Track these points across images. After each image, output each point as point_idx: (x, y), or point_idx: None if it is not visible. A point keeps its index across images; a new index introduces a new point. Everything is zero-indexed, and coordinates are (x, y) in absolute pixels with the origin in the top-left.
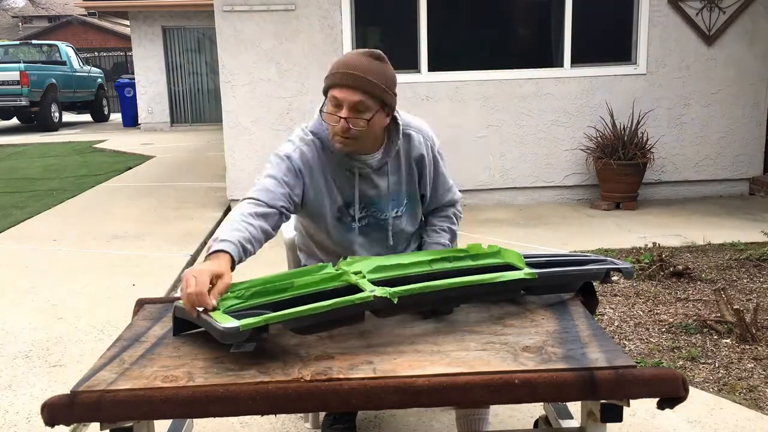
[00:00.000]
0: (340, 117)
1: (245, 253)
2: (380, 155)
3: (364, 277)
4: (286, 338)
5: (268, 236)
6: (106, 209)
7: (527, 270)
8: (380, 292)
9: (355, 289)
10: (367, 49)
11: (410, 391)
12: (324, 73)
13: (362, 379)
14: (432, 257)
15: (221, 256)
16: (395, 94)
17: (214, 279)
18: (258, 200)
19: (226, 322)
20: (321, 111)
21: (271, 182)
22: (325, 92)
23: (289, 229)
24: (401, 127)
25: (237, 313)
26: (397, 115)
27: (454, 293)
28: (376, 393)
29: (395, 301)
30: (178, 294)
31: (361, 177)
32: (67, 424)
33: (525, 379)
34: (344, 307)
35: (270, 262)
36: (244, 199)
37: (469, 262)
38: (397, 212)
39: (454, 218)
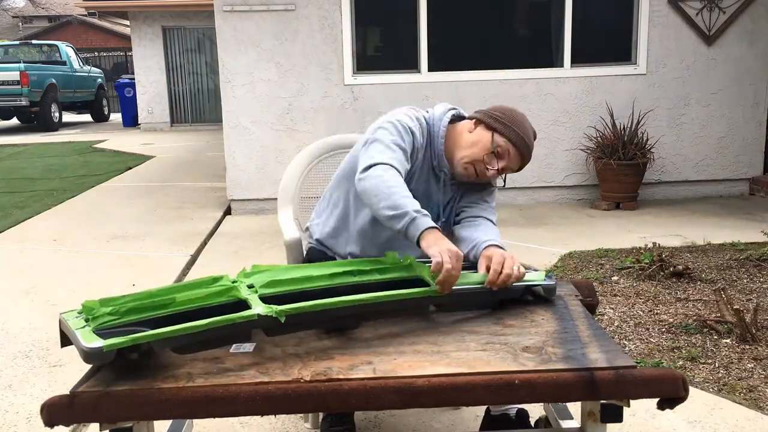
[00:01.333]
0: (487, 168)
1: None
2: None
3: (256, 291)
4: (285, 339)
5: None
6: (106, 209)
7: (434, 287)
8: (265, 310)
9: (245, 305)
10: (532, 127)
11: (410, 391)
12: (324, 73)
13: (362, 379)
14: (334, 270)
15: (440, 233)
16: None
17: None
18: (399, 171)
19: (91, 342)
20: (450, 120)
21: (402, 155)
22: (491, 138)
23: (290, 229)
24: None
25: (109, 331)
26: None
27: (350, 311)
28: (376, 393)
29: (282, 319)
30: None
31: (443, 184)
32: (67, 425)
33: (525, 380)
34: (225, 326)
35: (270, 263)
36: (383, 164)
37: (376, 276)
38: (439, 223)
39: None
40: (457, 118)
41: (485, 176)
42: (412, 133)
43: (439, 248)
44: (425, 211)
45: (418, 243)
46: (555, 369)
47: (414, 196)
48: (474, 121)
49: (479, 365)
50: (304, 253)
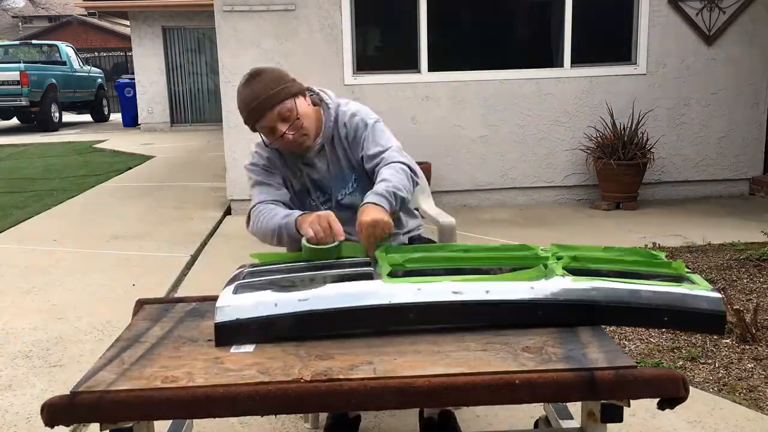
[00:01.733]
0: (283, 134)
1: None
2: (319, 139)
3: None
4: (288, 339)
5: None
6: (106, 209)
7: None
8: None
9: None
10: (245, 76)
11: (410, 391)
12: (324, 73)
13: (362, 379)
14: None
15: (308, 213)
16: (293, 80)
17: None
18: (269, 202)
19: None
20: (264, 144)
21: (263, 187)
22: (254, 130)
23: None
24: (331, 111)
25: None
26: (328, 101)
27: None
28: (376, 393)
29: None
30: (178, 294)
31: (307, 166)
32: (67, 425)
33: (525, 380)
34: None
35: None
36: (253, 208)
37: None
38: (347, 191)
39: (400, 163)
40: None
41: (297, 138)
42: (253, 163)
43: (306, 224)
44: (289, 212)
45: (300, 235)
46: (555, 369)
47: (305, 189)
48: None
49: (479, 365)
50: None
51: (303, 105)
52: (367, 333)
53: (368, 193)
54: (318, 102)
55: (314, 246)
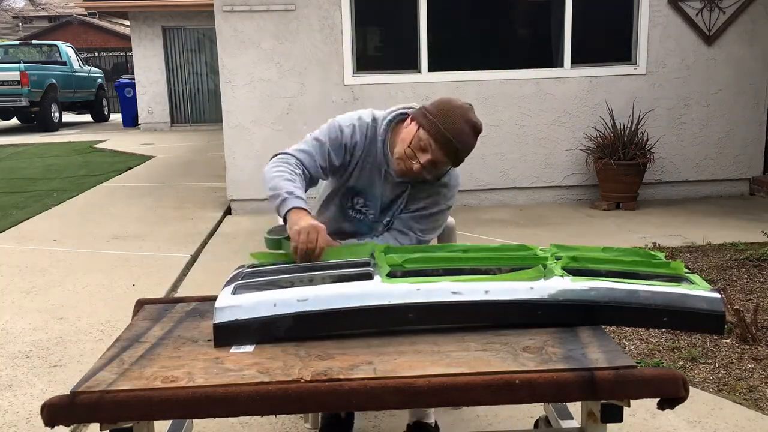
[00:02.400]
0: (419, 163)
1: None
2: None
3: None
4: (287, 340)
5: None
6: (106, 209)
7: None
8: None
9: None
10: (472, 118)
11: (410, 391)
12: (324, 73)
13: (362, 379)
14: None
15: (304, 213)
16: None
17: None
18: (300, 164)
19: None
20: (390, 121)
21: (316, 147)
22: (417, 124)
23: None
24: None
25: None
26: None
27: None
28: (376, 393)
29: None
30: (178, 294)
31: (385, 177)
32: (67, 425)
33: (525, 380)
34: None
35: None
36: (287, 153)
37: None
38: (384, 220)
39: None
40: (404, 115)
41: (412, 171)
42: (341, 130)
43: (297, 227)
44: (299, 193)
45: (285, 220)
46: (555, 369)
47: (355, 189)
48: (410, 118)
49: (479, 365)
50: None
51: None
52: (367, 333)
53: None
54: None
55: (273, 237)
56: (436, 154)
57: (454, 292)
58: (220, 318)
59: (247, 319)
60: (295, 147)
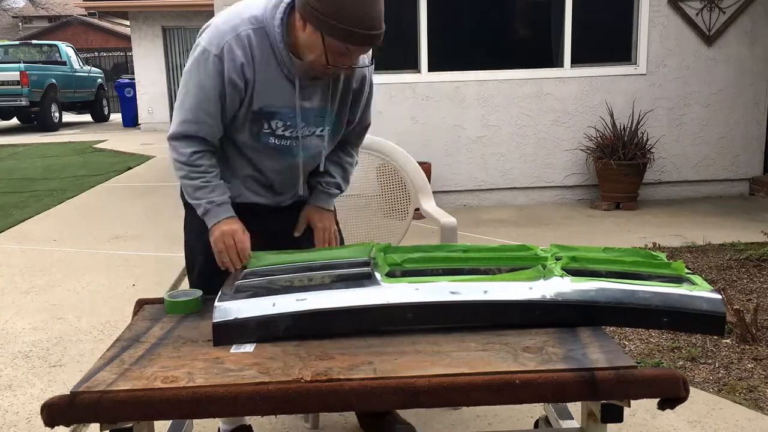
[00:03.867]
0: (347, 67)
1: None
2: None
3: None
4: (286, 339)
5: None
6: (106, 209)
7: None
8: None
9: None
10: None
11: (411, 391)
12: None
13: (363, 379)
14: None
15: (234, 222)
16: None
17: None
18: (205, 141)
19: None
20: (283, 19)
21: (203, 120)
22: (323, 31)
23: None
24: None
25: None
26: None
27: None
28: (376, 393)
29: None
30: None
31: (301, 87)
32: (67, 425)
33: (526, 380)
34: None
35: None
36: (184, 158)
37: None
38: (317, 131)
39: (353, 156)
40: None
41: (338, 75)
42: (219, 60)
43: (212, 238)
44: (225, 201)
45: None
46: (555, 369)
47: (264, 111)
48: (299, 16)
49: (480, 365)
50: None
51: None
52: (367, 333)
53: (323, 191)
54: None
55: (173, 300)
56: (356, 53)
57: (452, 292)
58: (219, 317)
59: (246, 318)
60: (179, 120)
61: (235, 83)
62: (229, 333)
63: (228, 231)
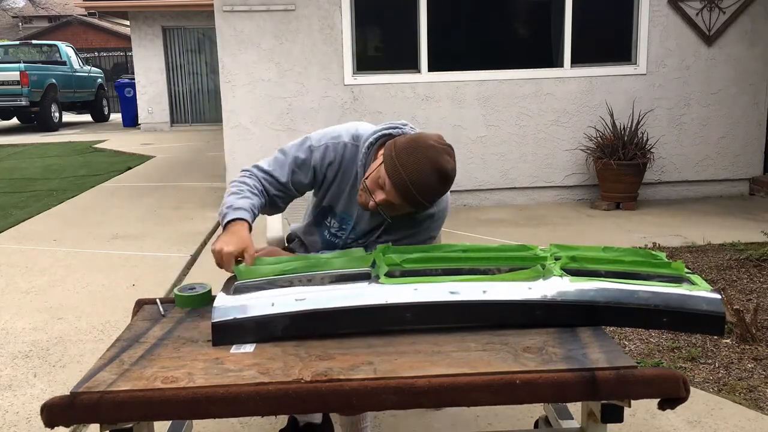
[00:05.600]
0: (374, 201)
1: (255, 218)
2: None
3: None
4: (286, 339)
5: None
6: (106, 209)
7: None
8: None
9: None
10: (441, 164)
11: (411, 391)
12: (324, 73)
13: (363, 379)
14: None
15: (240, 225)
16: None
17: (240, 254)
18: (263, 181)
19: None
20: (372, 143)
21: (281, 168)
22: (382, 152)
23: (273, 228)
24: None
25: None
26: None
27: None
28: (376, 393)
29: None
30: (175, 290)
31: (353, 190)
32: (67, 426)
33: (526, 380)
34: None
35: None
36: (249, 170)
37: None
38: (362, 242)
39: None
40: (390, 138)
41: (368, 206)
42: (310, 150)
43: (219, 243)
44: (240, 205)
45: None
46: (556, 369)
47: (330, 209)
48: (382, 151)
49: (480, 365)
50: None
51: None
52: (367, 333)
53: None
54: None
55: (184, 294)
56: (391, 195)
57: (452, 292)
58: (219, 317)
59: (245, 318)
60: (260, 162)
61: (315, 171)
62: (228, 333)
63: (244, 241)
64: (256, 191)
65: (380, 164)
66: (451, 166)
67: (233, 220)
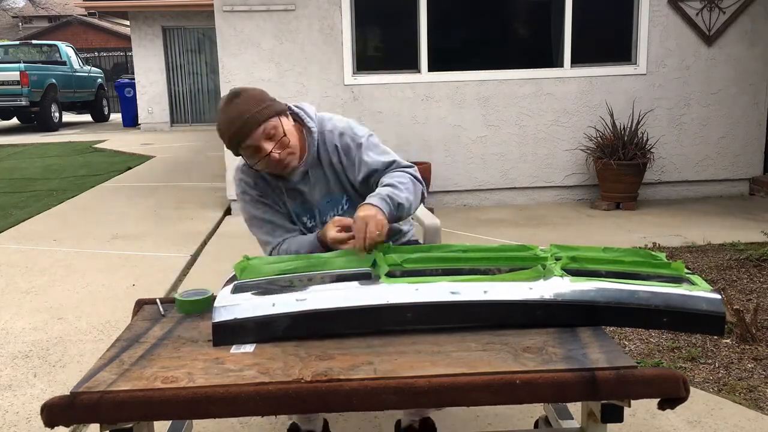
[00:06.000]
0: (269, 153)
1: None
2: (301, 167)
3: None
4: (286, 339)
5: None
6: (106, 209)
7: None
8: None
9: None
10: (224, 98)
11: (411, 391)
12: (324, 73)
13: (363, 379)
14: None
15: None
16: (273, 100)
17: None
18: (288, 236)
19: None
20: (247, 166)
21: (266, 224)
22: (237, 153)
23: None
24: (314, 131)
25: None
26: (309, 122)
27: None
28: (376, 393)
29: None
30: (176, 295)
31: (289, 191)
32: (67, 426)
33: (526, 380)
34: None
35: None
36: (275, 248)
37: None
38: (337, 213)
39: (407, 172)
40: None
41: (283, 159)
42: (243, 192)
43: (328, 229)
44: (313, 237)
45: (324, 244)
46: (556, 369)
47: (294, 213)
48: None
49: (480, 365)
50: None
51: (287, 123)
52: (367, 333)
53: (369, 195)
54: (299, 121)
55: (185, 299)
56: (256, 138)
57: (452, 292)
58: (219, 317)
59: (245, 318)
60: (267, 242)
61: (261, 198)
62: (228, 333)
63: (336, 220)
64: (293, 236)
65: (236, 153)
66: (237, 90)
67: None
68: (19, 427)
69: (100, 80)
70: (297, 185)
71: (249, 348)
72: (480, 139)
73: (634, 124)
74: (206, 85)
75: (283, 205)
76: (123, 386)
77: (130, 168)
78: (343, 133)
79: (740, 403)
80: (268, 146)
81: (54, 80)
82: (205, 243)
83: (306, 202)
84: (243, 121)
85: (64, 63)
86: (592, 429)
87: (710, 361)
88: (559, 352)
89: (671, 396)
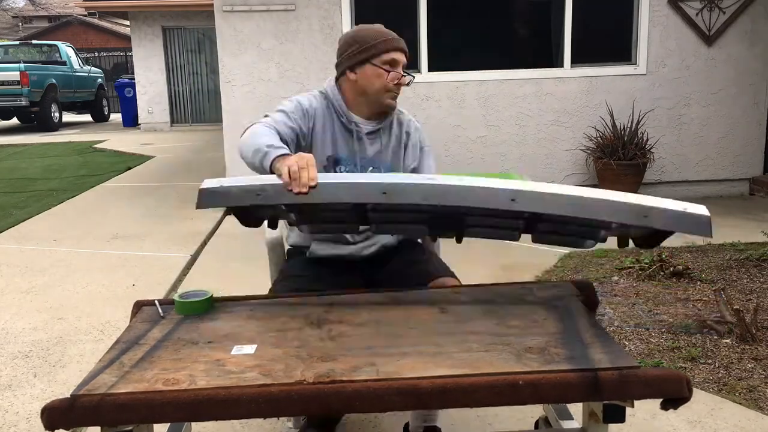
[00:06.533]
0: (402, 74)
1: None
2: (376, 122)
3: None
4: (287, 340)
5: None
6: (106, 209)
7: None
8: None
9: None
10: (358, 25)
11: (414, 393)
12: (324, 73)
13: (365, 381)
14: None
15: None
16: None
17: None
18: (272, 126)
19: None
20: (327, 99)
21: (282, 116)
22: (364, 62)
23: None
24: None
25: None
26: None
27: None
28: (379, 395)
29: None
30: (175, 296)
31: (358, 139)
32: (67, 428)
33: (529, 380)
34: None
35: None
36: (257, 122)
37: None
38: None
39: None
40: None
41: (401, 86)
42: (298, 100)
43: (284, 164)
44: (280, 145)
45: (272, 171)
46: (559, 369)
47: (331, 157)
48: (347, 73)
49: (483, 366)
50: (285, 254)
51: None
52: (368, 333)
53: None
54: None
55: (184, 300)
56: (403, 58)
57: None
58: (207, 185)
59: (232, 185)
60: (261, 119)
61: (308, 114)
62: (213, 197)
63: (306, 155)
64: (274, 131)
65: (369, 66)
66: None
67: (282, 155)
68: (19, 427)
69: (100, 80)
70: (363, 135)
71: (250, 350)
72: (480, 139)
73: (634, 124)
74: (206, 85)
75: (334, 147)
76: (124, 389)
77: (130, 168)
78: (419, 128)
79: (740, 403)
80: (401, 70)
81: (54, 80)
82: (205, 243)
83: (355, 153)
84: (394, 37)
85: (64, 63)
86: (593, 429)
87: (710, 361)
88: (562, 352)
89: (674, 396)
